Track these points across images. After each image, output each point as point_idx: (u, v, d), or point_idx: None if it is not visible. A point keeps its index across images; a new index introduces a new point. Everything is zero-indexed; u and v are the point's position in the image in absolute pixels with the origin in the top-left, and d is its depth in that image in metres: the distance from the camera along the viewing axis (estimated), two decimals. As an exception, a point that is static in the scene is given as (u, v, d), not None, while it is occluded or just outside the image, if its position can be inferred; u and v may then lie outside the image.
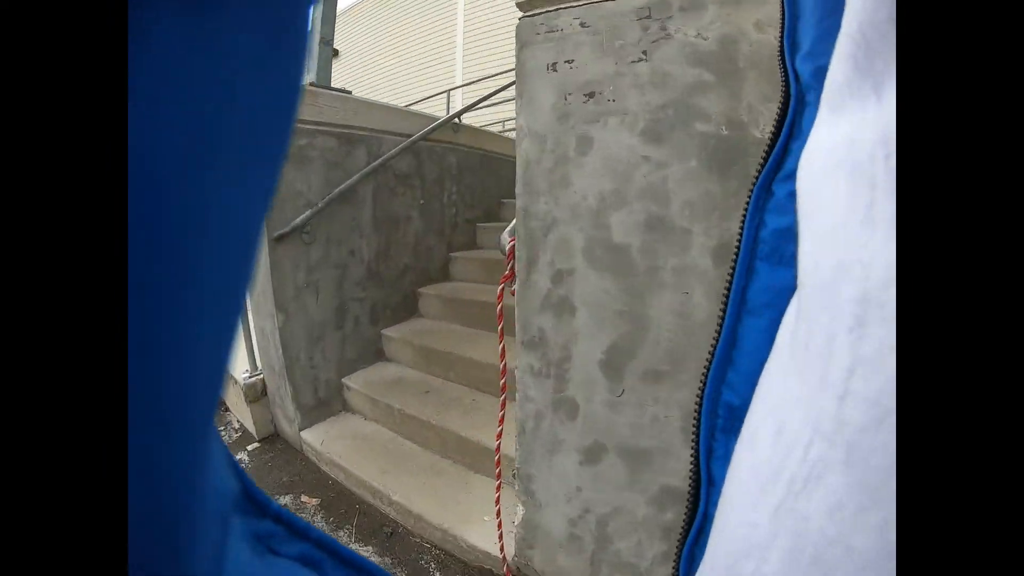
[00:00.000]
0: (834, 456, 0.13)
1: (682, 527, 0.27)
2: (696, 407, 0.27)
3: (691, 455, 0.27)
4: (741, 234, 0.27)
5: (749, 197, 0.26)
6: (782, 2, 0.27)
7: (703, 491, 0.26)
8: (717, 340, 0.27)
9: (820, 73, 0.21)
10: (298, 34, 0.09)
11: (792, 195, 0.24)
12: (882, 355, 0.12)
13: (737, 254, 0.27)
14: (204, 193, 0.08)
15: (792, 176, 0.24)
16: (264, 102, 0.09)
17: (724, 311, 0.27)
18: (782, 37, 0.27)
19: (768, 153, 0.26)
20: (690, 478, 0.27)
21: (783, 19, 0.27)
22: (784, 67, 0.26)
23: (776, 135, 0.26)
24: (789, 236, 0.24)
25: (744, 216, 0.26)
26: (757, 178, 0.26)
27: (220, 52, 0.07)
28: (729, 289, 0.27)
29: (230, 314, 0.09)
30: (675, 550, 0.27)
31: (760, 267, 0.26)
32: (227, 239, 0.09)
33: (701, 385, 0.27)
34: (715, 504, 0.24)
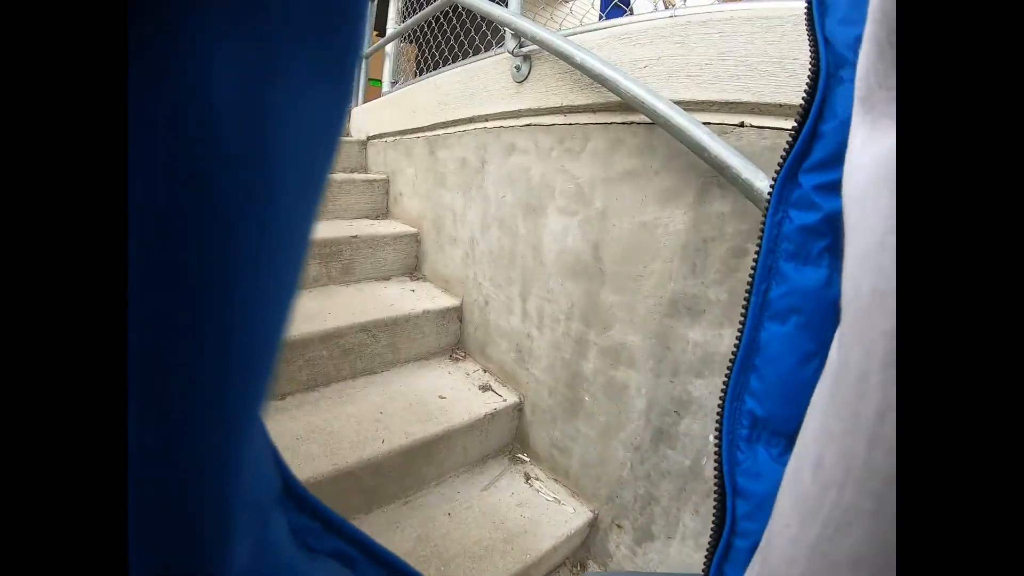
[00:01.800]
0: (863, 505, 0.12)
1: (710, 540, 0.26)
2: (718, 415, 0.26)
3: (715, 465, 0.26)
4: (762, 231, 0.24)
5: (771, 189, 0.24)
6: None
7: (728, 502, 0.25)
8: (739, 345, 0.25)
9: (860, 44, 0.17)
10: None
11: (821, 188, 0.22)
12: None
13: (758, 253, 0.25)
14: (268, 174, 0.07)
15: (823, 166, 0.22)
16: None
17: (745, 314, 0.25)
18: None
19: (795, 137, 0.23)
20: (715, 489, 0.26)
21: None
22: (813, 31, 0.23)
23: (805, 115, 0.23)
24: (816, 233, 0.23)
25: (765, 211, 0.24)
26: (781, 167, 0.24)
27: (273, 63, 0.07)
28: (750, 291, 0.25)
29: (288, 294, 0.09)
30: (703, 566, 0.26)
31: (785, 267, 0.24)
32: (288, 207, 0.08)
33: (723, 392, 0.26)
34: (743, 517, 0.24)
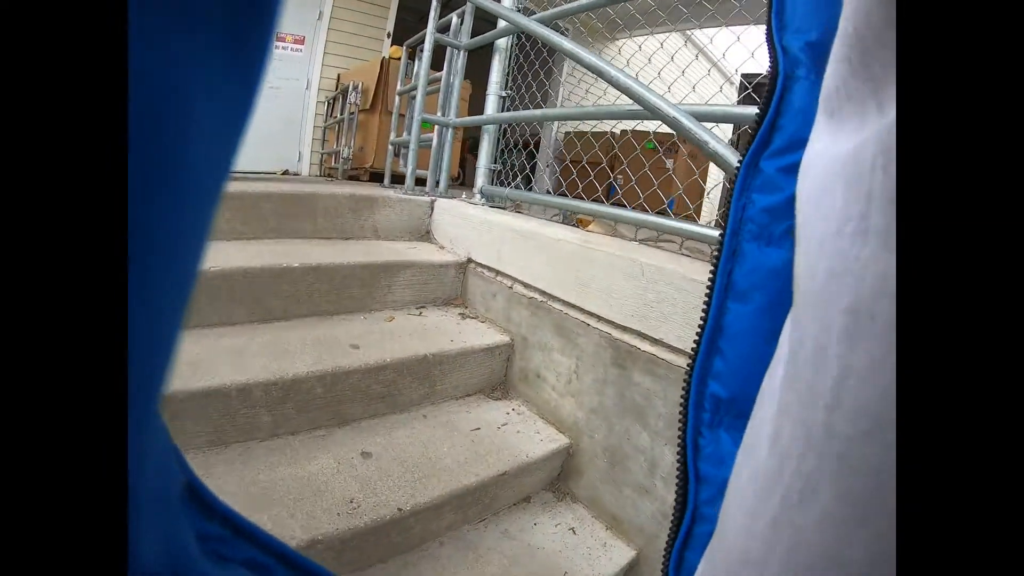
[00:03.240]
0: (825, 468, 0.13)
1: (671, 527, 0.25)
2: (682, 401, 0.26)
3: (677, 452, 0.26)
4: (727, 217, 0.25)
5: (734, 179, 0.26)
6: None
7: (691, 489, 0.25)
8: (703, 328, 0.26)
9: (810, 48, 0.23)
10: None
11: (784, 170, 0.25)
12: (873, 367, 0.12)
13: (723, 238, 0.25)
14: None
15: (784, 151, 0.25)
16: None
17: (710, 298, 0.26)
18: (770, 15, 0.26)
19: (756, 130, 0.26)
20: (677, 476, 0.25)
21: None
22: (772, 43, 0.26)
23: (764, 112, 0.25)
24: (779, 214, 0.24)
25: (730, 198, 0.26)
26: (743, 159, 0.25)
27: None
28: (715, 274, 0.26)
29: (189, 275, 0.09)
30: (663, 552, 0.25)
31: (747, 248, 0.25)
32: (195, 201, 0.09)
33: (687, 376, 0.26)
34: (705, 503, 0.24)
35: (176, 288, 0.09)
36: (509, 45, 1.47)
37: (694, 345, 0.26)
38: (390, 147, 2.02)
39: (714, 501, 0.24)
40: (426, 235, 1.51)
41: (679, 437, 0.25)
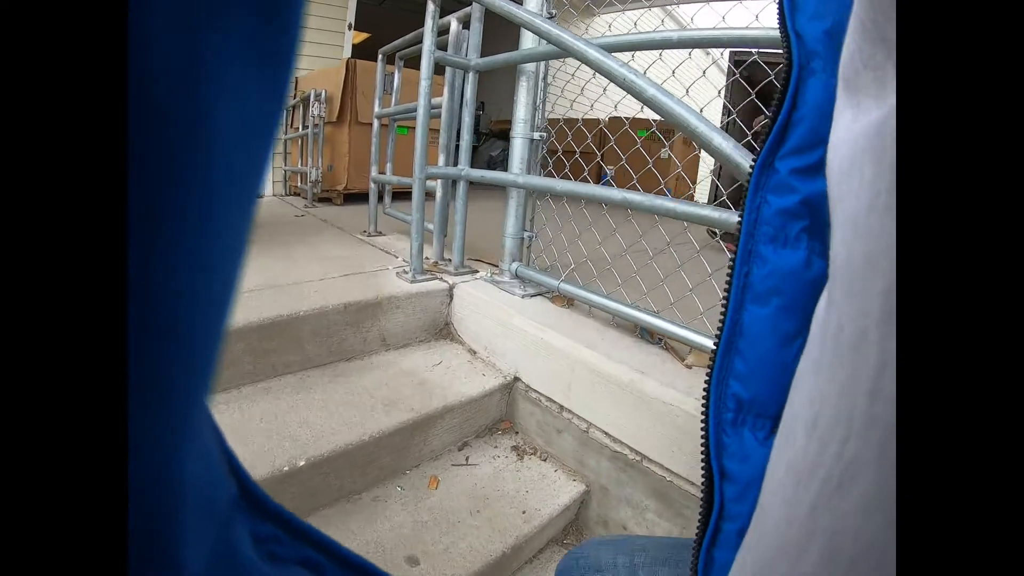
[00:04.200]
0: (868, 455, 0.12)
1: (698, 526, 0.25)
2: (704, 399, 0.26)
3: (702, 450, 0.25)
4: (742, 217, 0.25)
5: (749, 177, 0.25)
6: None
7: (716, 486, 0.25)
8: (722, 329, 0.25)
9: (829, 38, 0.20)
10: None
11: (797, 172, 0.24)
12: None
13: (739, 237, 0.25)
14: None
15: (799, 151, 0.24)
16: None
17: (728, 298, 0.26)
18: None
19: (770, 128, 0.25)
20: (702, 475, 0.25)
21: None
22: (785, 28, 0.24)
23: (779, 107, 0.24)
24: (793, 215, 0.24)
25: (745, 197, 0.25)
26: (757, 157, 0.25)
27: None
28: (731, 275, 0.25)
29: (234, 266, 0.09)
30: (692, 553, 0.25)
31: (764, 250, 0.24)
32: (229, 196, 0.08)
33: (707, 376, 0.26)
34: (731, 500, 0.24)
35: (216, 291, 0.08)
36: (542, 67, 1.08)
37: (713, 345, 0.25)
38: (372, 185, 1.60)
39: (740, 499, 0.24)
40: (445, 329, 1.19)
41: (702, 435, 0.25)
